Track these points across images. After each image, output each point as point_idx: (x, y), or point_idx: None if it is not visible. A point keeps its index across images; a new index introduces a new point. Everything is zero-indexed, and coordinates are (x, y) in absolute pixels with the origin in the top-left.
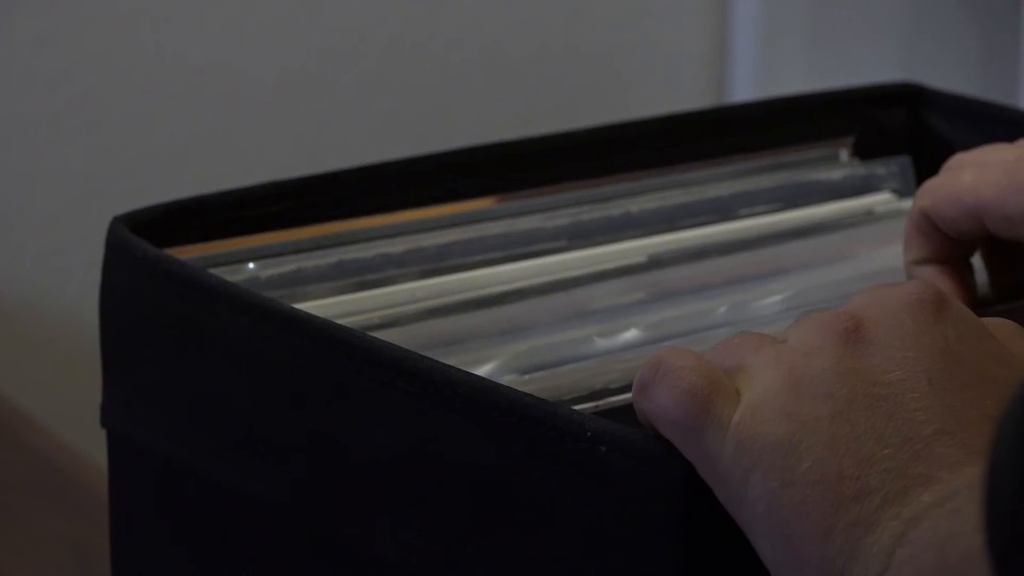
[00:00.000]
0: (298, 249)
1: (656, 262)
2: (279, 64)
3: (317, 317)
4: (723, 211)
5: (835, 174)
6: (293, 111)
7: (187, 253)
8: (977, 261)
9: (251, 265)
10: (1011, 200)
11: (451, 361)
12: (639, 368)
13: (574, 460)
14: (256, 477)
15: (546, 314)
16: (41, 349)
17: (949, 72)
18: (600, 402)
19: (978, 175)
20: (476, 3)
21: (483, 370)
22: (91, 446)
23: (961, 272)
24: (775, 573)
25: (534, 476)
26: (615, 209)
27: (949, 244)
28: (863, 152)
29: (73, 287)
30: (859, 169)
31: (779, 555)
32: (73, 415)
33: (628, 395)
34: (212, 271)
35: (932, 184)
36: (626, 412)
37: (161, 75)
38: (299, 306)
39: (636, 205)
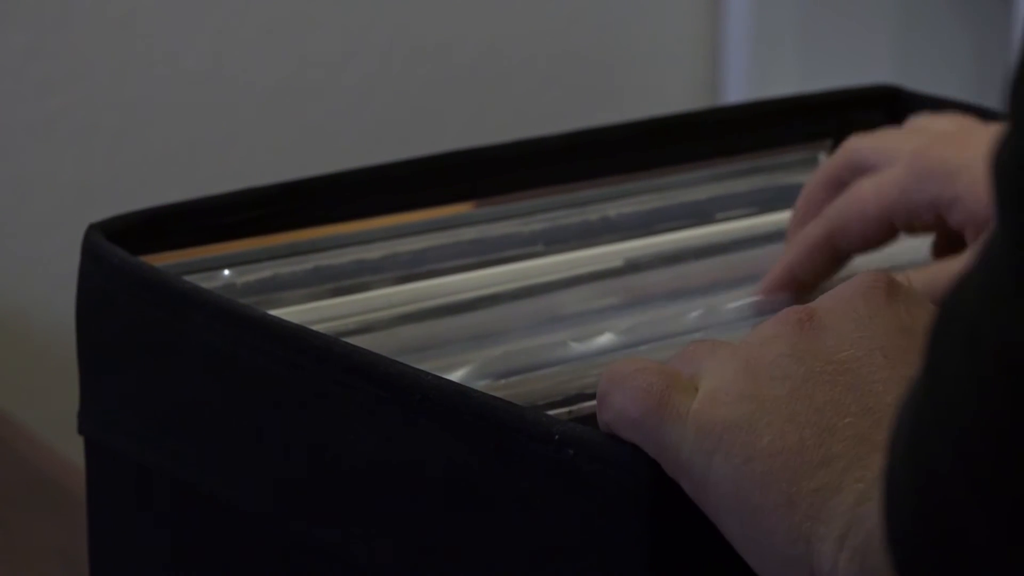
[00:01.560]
0: (274, 255)
1: (633, 266)
2: (271, 71)
3: (291, 323)
4: (700, 215)
5: None
6: (286, 118)
7: (163, 260)
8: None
9: (227, 272)
10: (914, 194)
11: (426, 366)
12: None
13: (542, 463)
14: (232, 484)
15: (520, 319)
16: (32, 358)
17: (940, 73)
18: (574, 407)
19: (877, 182)
20: (469, 8)
21: (457, 375)
22: (81, 455)
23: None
24: (745, 553)
25: (503, 480)
26: (592, 214)
27: (836, 264)
28: None
29: (64, 295)
30: None
31: (747, 531)
32: (64, 424)
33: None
34: (187, 278)
35: (834, 208)
36: None
37: (153, 82)
38: (275, 312)
39: (614, 209)
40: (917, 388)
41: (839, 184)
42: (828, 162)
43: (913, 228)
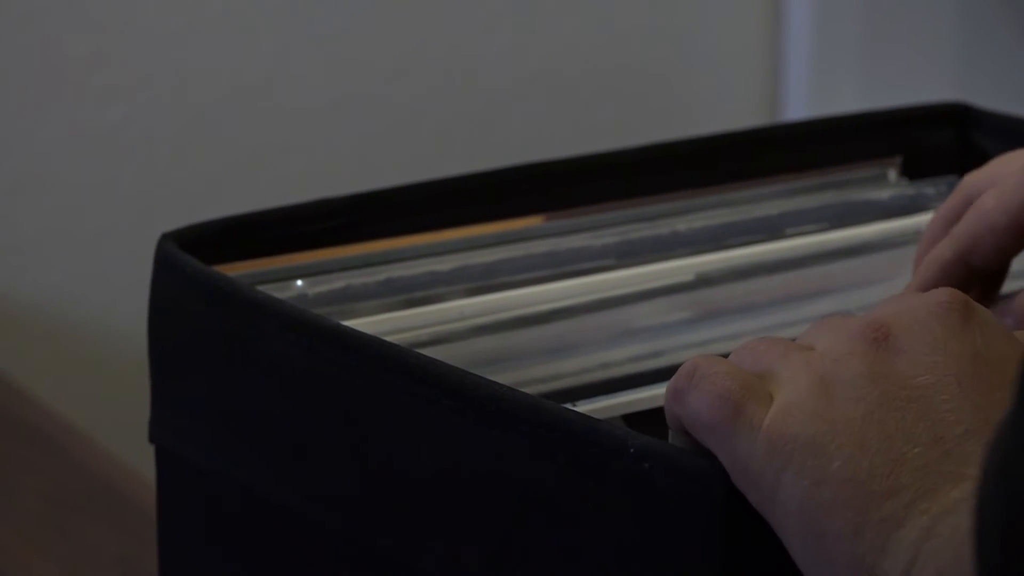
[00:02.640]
0: (346, 266)
1: (704, 280)
2: (332, 83)
3: (363, 333)
4: (771, 230)
5: (883, 194)
6: (345, 130)
7: (235, 270)
8: None
9: (299, 282)
10: None
11: (498, 378)
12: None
13: (617, 476)
14: (303, 494)
15: (594, 332)
16: (93, 366)
17: (1001, 92)
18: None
19: (998, 194)
20: (529, 23)
21: (529, 388)
22: (141, 462)
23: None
24: (807, 573)
25: (579, 492)
26: (663, 228)
27: (970, 282)
28: (911, 172)
29: (125, 304)
30: (907, 189)
31: (810, 554)
32: (123, 431)
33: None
34: (260, 288)
35: (962, 226)
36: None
37: (213, 93)
38: (347, 323)
39: (684, 224)
40: (1008, 421)
41: (958, 219)
42: (945, 202)
43: None
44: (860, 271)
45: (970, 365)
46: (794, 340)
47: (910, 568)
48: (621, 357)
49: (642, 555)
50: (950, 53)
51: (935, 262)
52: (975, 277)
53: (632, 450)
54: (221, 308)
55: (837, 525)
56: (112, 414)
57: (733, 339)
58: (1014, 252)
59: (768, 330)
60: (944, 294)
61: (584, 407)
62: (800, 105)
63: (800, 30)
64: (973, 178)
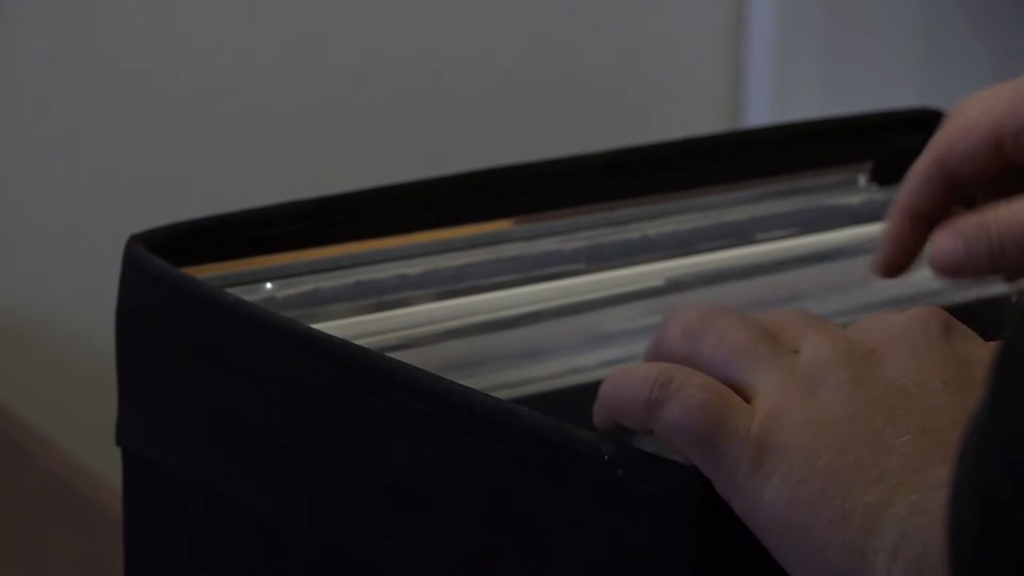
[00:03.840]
0: (315, 269)
1: (674, 285)
2: (296, 84)
3: (334, 337)
4: (741, 235)
5: (853, 199)
6: (310, 132)
7: (204, 272)
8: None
9: (268, 285)
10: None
11: (468, 383)
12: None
13: (592, 483)
14: (272, 497)
15: (563, 337)
16: (56, 368)
17: (964, 95)
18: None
19: (983, 105)
20: (493, 27)
21: (499, 393)
22: (105, 466)
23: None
24: (797, 574)
25: (552, 499)
26: (633, 232)
27: (951, 194)
28: (881, 177)
29: (87, 305)
30: (877, 194)
31: (801, 550)
32: (87, 435)
33: None
34: (229, 290)
35: (942, 132)
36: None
37: (176, 93)
38: (316, 326)
39: (654, 228)
40: (981, 415)
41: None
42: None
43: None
44: (830, 276)
45: (952, 367)
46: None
47: (899, 544)
48: (591, 362)
49: (616, 561)
50: (913, 57)
51: (914, 173)
52: (953, 189)
53: (606, 457)
54: (189, 310)
55: (825, 513)
56: (76, 417)
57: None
58: (987, 165)
59: None
60: (924, 309)
61: None
62: (763, 111)
63: (762, 35)
64: (963, 99)
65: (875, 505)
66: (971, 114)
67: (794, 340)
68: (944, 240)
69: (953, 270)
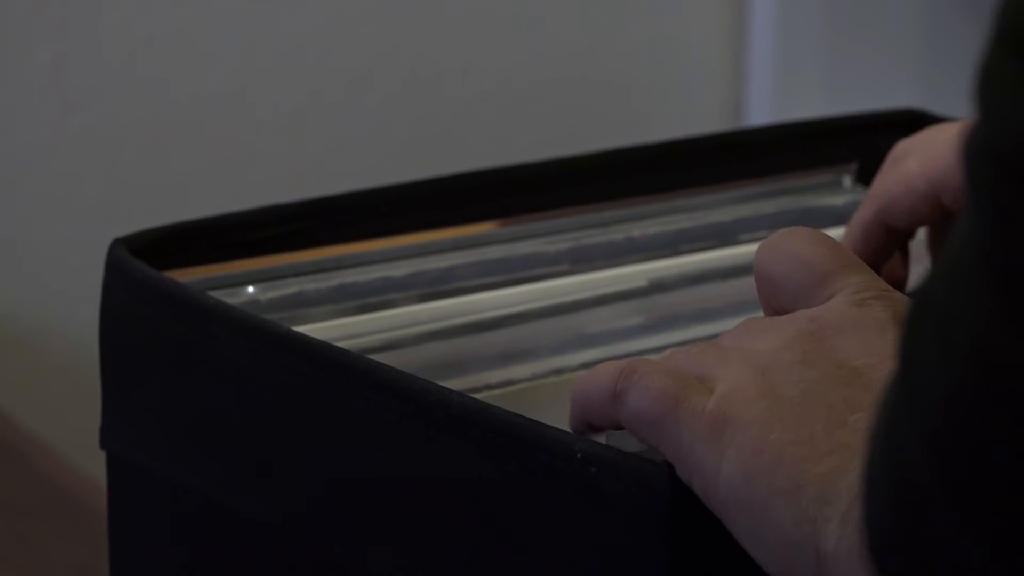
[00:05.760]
0: (298, 272)
1: (658, 286)
2: (293, 92)
3: (314, 339)
4: (725, 236)
5: (838, 200)
6: (308, 137)
7: (187, 276)
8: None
9: (251, 288)
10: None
11: (450, 384)
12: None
13: (565, 481)
14: (254, 499)
15: (547, 338)
16: (54, 375)
17: (965, 96)
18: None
19: (923, 159)
20: (493, 32)
21: (482, 394)
22: (100, 470)
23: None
24: (752, 547)
25: (526, 497)
26: (617, 234)
27: (892, 243)
28: (866, 178)
29: (86, 312)
30: (862, 195)
31: (755, 523)
32: (87, 441)
33: None
34: (212, 294)
35: (880, 185)
36: None
37: (177, 101)
38: (300, 329)
39: (638, 230)
40: (894, 381)
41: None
42: (879, 171)
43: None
44: None
45: None
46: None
47: (847, 512)
48: (575, 363)
49: (590, 559)
50: (914, 58)
51: (856, 224)
52: (894, 239)
53: (579, 455)
54: (172, 314)
55: (779, 485)
56: (75, 423)
57: (687, 345)
58: (927, 219)
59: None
60: (859, 284)
61: None
62: (764, 113)
63: (763, 38)
64: (904, 144)
65: (828, 475)
66: (911, 168)
67: (745, 340)
68: None
69: None
